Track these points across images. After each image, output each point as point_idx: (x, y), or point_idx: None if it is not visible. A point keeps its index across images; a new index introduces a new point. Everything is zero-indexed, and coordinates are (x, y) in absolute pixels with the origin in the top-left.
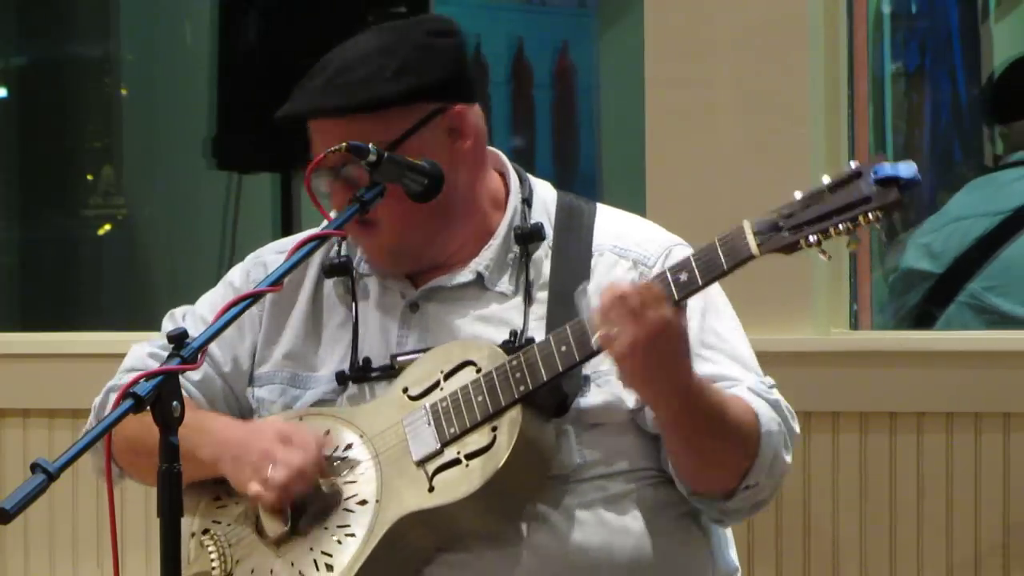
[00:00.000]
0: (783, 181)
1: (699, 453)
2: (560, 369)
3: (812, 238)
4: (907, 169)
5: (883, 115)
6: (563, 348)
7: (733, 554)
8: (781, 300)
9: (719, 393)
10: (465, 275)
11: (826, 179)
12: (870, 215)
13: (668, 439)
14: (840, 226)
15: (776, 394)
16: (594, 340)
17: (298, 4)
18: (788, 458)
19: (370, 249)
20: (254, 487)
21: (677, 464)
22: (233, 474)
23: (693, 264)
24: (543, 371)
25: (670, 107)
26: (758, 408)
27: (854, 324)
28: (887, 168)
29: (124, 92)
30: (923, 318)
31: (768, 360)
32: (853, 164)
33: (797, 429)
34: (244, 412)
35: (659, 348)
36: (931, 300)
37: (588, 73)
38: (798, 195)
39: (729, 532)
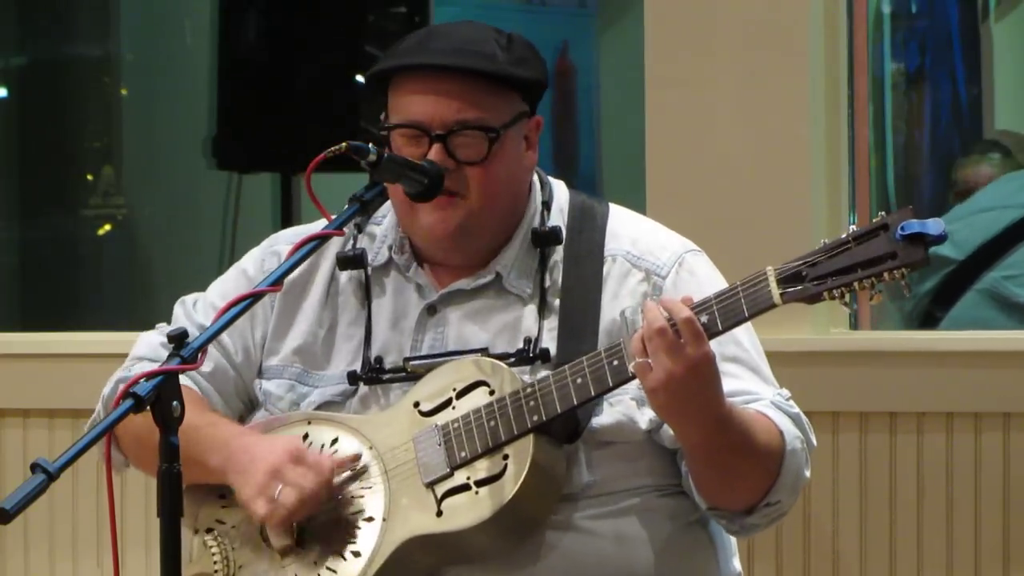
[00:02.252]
0: (783, 181)
1: (723, 475)
2: (575, 402)
3: (836, 291)
4: (935, 227)
5: (883, 115)
6: (578, 381)
7: (736, 561)
8: None
9: (745, 416)
10: (484, 276)
11: (852, 228)
12: (895, 272)
13: (691, 461)
14: (864, 281)
15: (796, 407)
16: (631, 367)
17: (298, 4)
18: (807, 473)
19: (444, 225)
20: (260, 506)
21: (698, 483)
22: (239, 487)
23: (715, 308)
24: (557, 404)
25: (670, 107)
26: (782, 426)
27: (854, 324)
28: (915, 225)
29: (124, 92)
30: (938, 304)
31: (768, 360)
32: (881, 215)
33: (815, 442)
34: (254, 405)
35: (693, 384)
36: (949, 286)
37: (588, 73)
38: (824, 242)
39: (733, 540)
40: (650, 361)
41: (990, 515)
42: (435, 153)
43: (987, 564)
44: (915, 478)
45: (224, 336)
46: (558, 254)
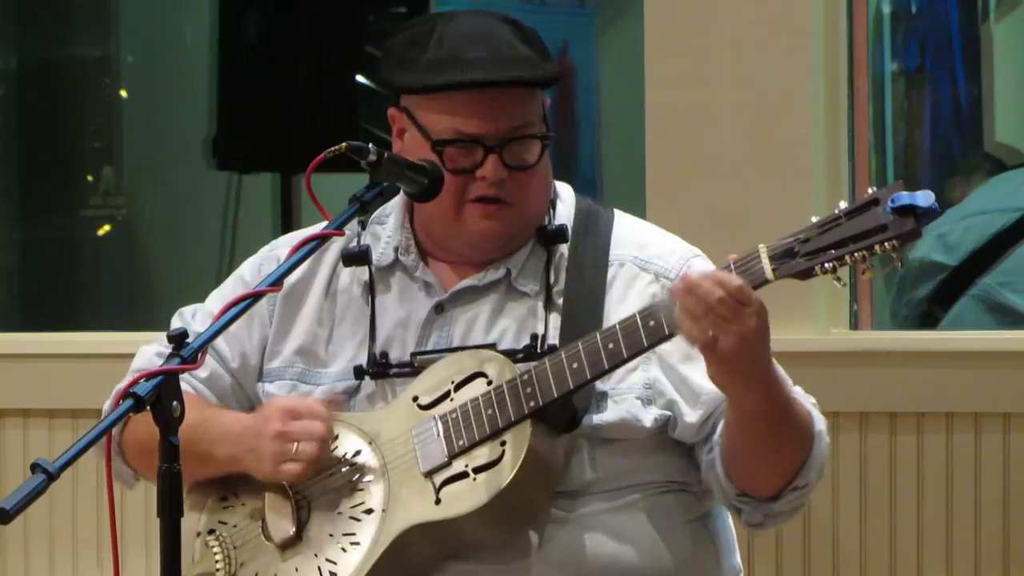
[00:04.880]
0: (783, 181)
1: (765, 445)
2: (571, 386)
3: (827, 265)
4: (925, 198)
5: (883, 115)
6: (575, 366)
7: (737, 559)
8: (781, 300)
9: (786, 385)
10: (494, 273)
11: (843, 205)
12: (886, 244)
13: (737, 433)
14: (856, 254)
15: (812, 399)
16: (694, 348)
17: (298, 4)
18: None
19: (496, 231)
20: (288, 471)
21: (735, 460)
22: (256, 466)
23: None
24: (553, 388)
25: (670, 107)
26: (809, 408)
27: (854, 324)
28: (904, 197)
29: (124, 92)
30: (933, 312)
31: None
32: (871, 190)
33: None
34: (254, 407)
35: (759, 340)
36: (943, 292)
37: (588, 73)
38: (814, 220)
39: (734, 537)
40: (711, 333)
41: (990, 515)
42: (491, 163)
43: (987, 564)
44: (915, 478)
45: (220, 342)
46: (563, 253)
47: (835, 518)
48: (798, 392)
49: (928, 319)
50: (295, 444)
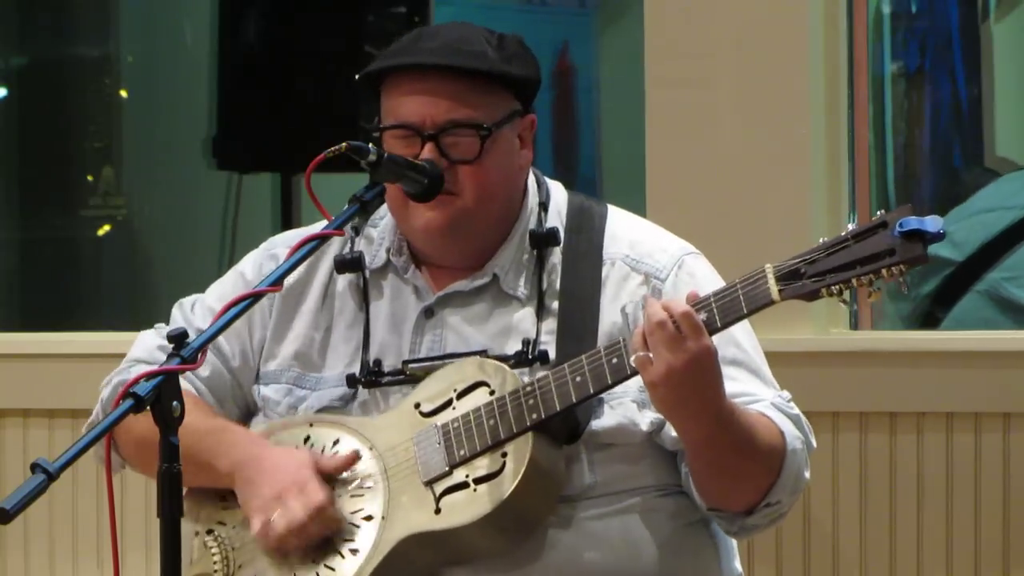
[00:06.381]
0: (783, 181)
1: (724, 473)
2: (574, 400)
3: (834, 288)
4: (933, 223)
5: (883, 115)
6: (578, 379)
7: (737, 564)
8: None
9: (747, 415)
10: (481, 277)
11: (850, 227)
12: (893, 269)
13: (693, 460)
14: (863, 278)
15: (796, 408)
16: (631, 360)
17: (298, 4)
18: (807, 474)
19: (438, 222)
20: (256, 524)
21: (699, 482)
22: (243, 497)
23: (713, 305)
24: (557, 401)
25: (670, 107)
26: (783, 427)
27: (854, 324)
28: (912, 222)
29: (124, 92)
30: (938, 308)
31: (768, 360)
32: (880, 213)
33: (815, 443)
34: (251, 409)
35: (693, 378)
36: (949, 288)
37: (588, 73)
38: (822, 240)
39: (734, 541)
40: (650, 355)
41: (990, 515)
42: (427, 152)
43: (987, 564)
44: (915, 478)
45: (221, 341)
46: (556, 256)
47: (835, 518)
48: (781, 401)
49: (930, 320)
50: (276, 511)
